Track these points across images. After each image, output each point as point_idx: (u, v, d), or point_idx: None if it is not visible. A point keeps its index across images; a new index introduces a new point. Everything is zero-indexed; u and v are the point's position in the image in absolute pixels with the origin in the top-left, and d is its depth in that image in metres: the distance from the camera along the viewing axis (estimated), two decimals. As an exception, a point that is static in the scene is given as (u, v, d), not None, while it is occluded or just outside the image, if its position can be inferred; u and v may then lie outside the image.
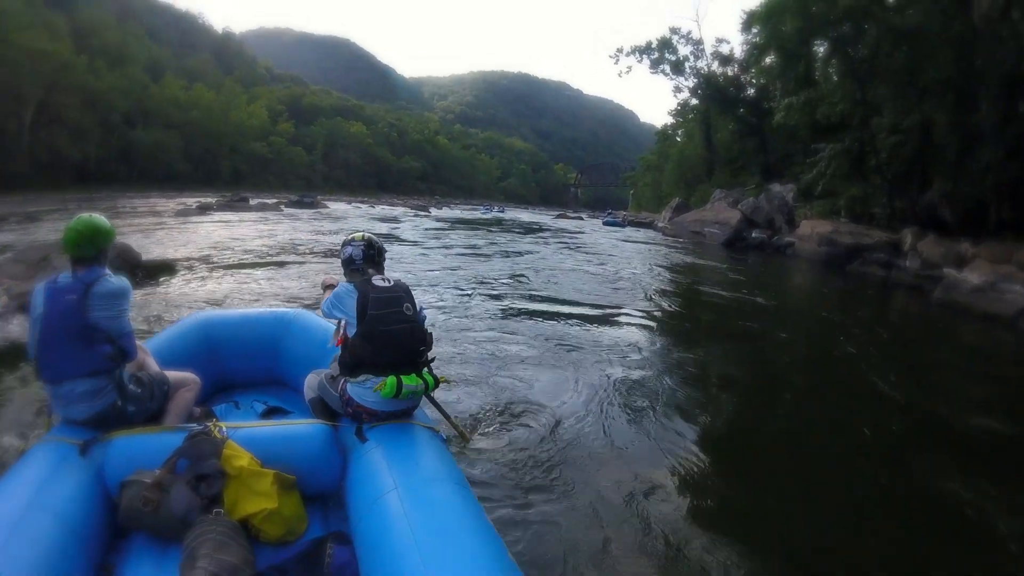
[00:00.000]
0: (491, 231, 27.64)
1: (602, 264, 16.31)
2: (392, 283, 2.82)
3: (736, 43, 44.03)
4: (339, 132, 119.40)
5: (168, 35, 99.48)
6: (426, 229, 25.52)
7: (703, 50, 47.22)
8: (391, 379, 2.57)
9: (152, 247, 13.01)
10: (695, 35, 49.65)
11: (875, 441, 4.80)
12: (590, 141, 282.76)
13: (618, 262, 16.99)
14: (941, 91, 20.80)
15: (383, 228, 24.73)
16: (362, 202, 61.08)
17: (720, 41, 44.85)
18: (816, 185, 25.99)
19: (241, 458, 2.25)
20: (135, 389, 2.65)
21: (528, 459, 3.61)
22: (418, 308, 2.88)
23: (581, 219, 55.84)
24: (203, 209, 29.08)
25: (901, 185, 23.98)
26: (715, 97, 44.44)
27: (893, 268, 19.64)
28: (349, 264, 3.00)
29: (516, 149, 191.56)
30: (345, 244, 3.05)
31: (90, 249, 2.55)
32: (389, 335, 2.66)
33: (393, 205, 57.16)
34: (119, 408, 2.55)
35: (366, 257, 2.98)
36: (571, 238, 26.45)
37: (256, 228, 20.15)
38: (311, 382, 3.01)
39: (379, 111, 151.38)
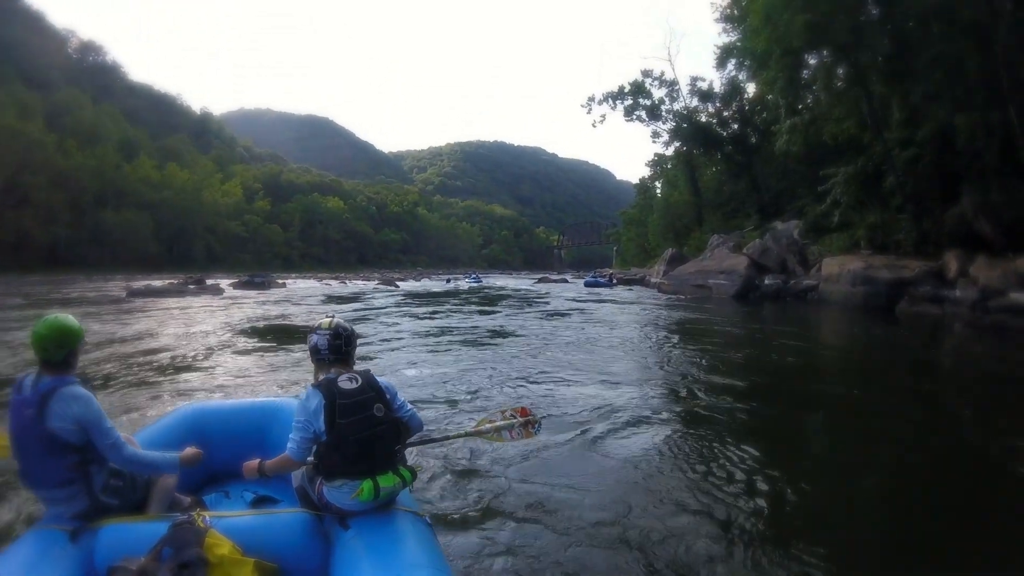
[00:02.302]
0: (455, 304, 23.75)
1: (591, 344, 12.26)
2: (359, 382, 2.62)
3: (713, 79, 41.58)
4: (316, 208, 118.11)
5: (146, 116, 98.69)
6: (380, 308, 21.50)
7: (679, 91, 44.93)
8: (367, 484, 2.45)
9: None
10: (669, 75, 47.20)
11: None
12: (569, 203, 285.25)
13: (611, 337, 13.00)
14: (964, 90, 18.02)
15: (334, 308, 20.91)
16: (335, 278, 57.23)
17: (696, 79, 42.47)
18: (831, 216, 22.74)
19: (223, 547, 2.24)
20: (116, 483, 2.64)
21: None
22: (396, 404, 2.72)
23: (566, 281, 50.36)
24: (133, 294, 25.35)
25: (923, 204, 20.83)
26: (698, 137, 41.73)
27: (945, 302, 16.23)
28: (315, 354, 2.77)
29: (497, 216, 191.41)
30: (311, 332, 2.80)
31: (58, 353, 2.50)
32: (360, 443, 2.51)
33: (369, 280, 53.19)
34: (100, 504, 2.55)
35: (331, 347, 2.74)
36: (550, 307, 22.38)
37: (166, 318, 16.23)
38: (296, 473, 2.80)
39: (358, 186, 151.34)
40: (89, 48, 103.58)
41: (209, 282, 34.85)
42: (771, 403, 6.68)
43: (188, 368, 8.30)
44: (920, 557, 3.26)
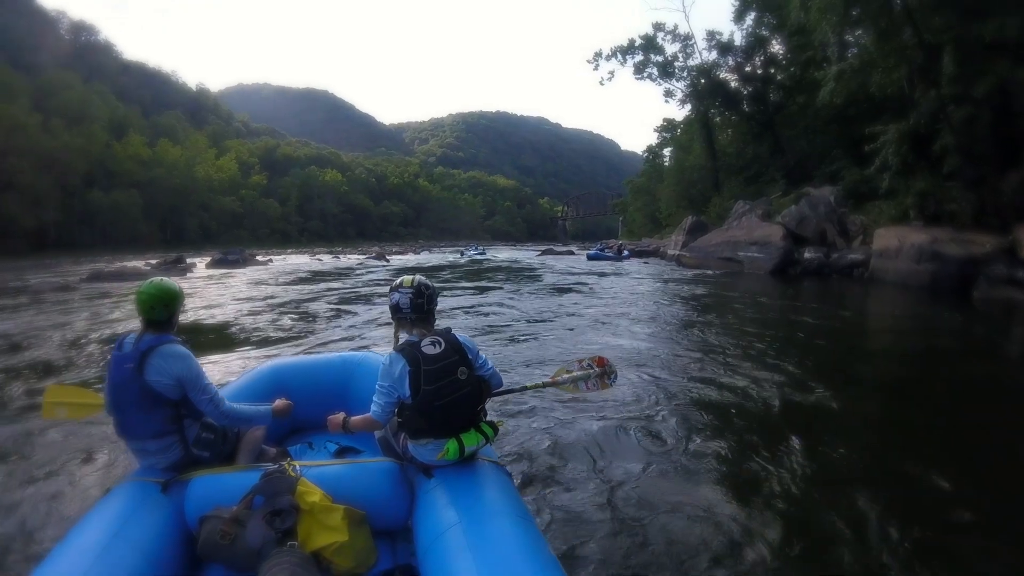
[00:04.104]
0: (446, 279, 20.91)
1: (622, 331, 9.55)
2: (443, 346, 2.61)
3: (733, 31, 37.86)
4: (313, 182, 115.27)
5: (139, 94, 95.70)
6: (353, 289, 18.60)
7: (694, 45, 41.22)
8: (452, 445, 2.49)
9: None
10: (683, 29, 43.55)
11: None
12: (573, 173, 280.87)
13: (644, 324, 10.22)
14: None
15: (300, 289, 18.16)
16: (329, 253, 54.57)
17: (713, 34, 38.58)
18: (876, 182, 19.74)
19: (313, 494, 2.32)
20: (207, 436, 2.77)
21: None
22: (478, 364, 2.70)
23: (572, 253, 46.32)
24: (92, 278, 22.55)
25: (979, 170, 17.86)
26: (716, 94, 38.27)
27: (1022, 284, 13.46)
28: (396, 312, 2.77)
29: (500, 187, 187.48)
30: (392, 290, 2.79)
31: (163, 312, 2.69)
32: (446, 407, 2.53)
33: (366, 253, 50.11)
34: (192, 456, 2.70)
35: (414, 306, 2.71)
36: (560, 282, 19.53)
37: (90, 309, 13.44)
38: None
39: (357, 158, 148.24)
40: (80, 28, 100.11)
41: (189, 260, 32.79)
42: (859, 414, 5.40)
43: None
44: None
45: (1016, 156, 16.83)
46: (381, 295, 15.21)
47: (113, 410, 2.64)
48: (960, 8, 17.17)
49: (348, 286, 18.31)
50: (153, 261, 31.89)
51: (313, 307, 12.95)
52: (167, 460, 2.64)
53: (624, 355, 7.05)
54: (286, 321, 10.70)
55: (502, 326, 9.84)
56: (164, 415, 2.60)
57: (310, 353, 6.53)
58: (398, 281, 2.78)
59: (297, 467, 2.43)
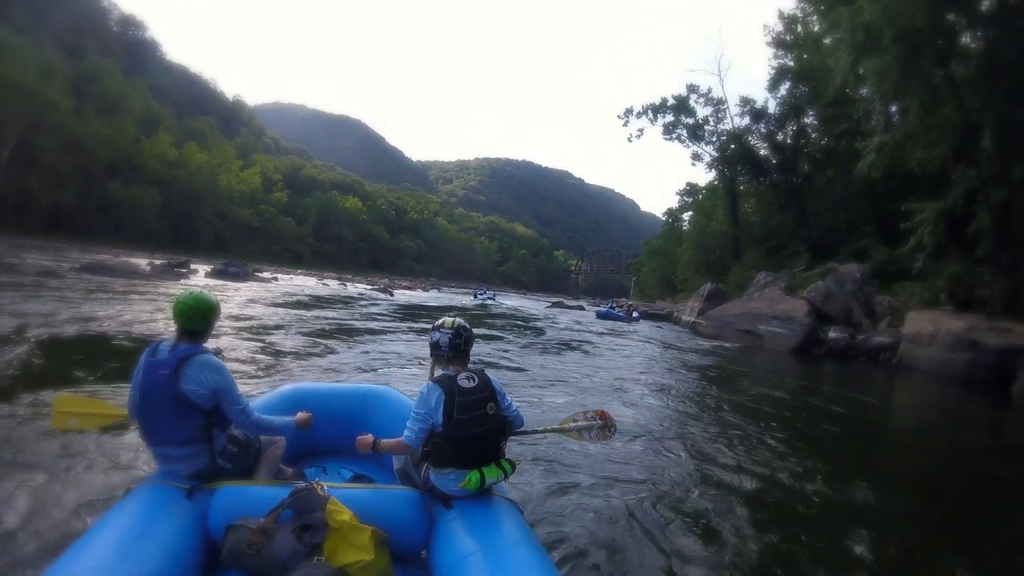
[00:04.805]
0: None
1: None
2: (476, 382, 2.83)
3: (766, 100, 37.50)
4: (333, 206, 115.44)
5: (176, 96, 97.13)
6: (347, 322, 17.52)
7: (726, 110, 41.03)
8: (475, 475, 2.62)
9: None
10: (716, 92, 43.23)
11: None
12: (591, 229, 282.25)
13: (655, 400, 9.01)
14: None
15: (286, 316, 17.14)
16: (338, 279, 53.74)
17: (747, 100, 38.40)
18: (909, 261, 18.72)
19: (343, 513, 2.38)
20: (232, 449, 2.83)
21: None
22: (504, 404, 2.90)
23: (582, 308, 44.27)
24: (88, 268, 21.49)
25: (1014, 255, 16.91)
26: (745, 159, 37.80)
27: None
28: (435, 349, 2.97)
29: (517, 234, 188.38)
30: (434, 329, 3.00)
31: (200, 323, 2.75)
32: (473, 438, 2.69)
33: (374, 284, 49.06)
34: (215, 466, 2.72)
35: (452, 345, 2.93)
36: (566, 339, 18.36)
37: (59, 302, 12.43)
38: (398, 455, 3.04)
39: (380, 189, 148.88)
40: (130, 22, 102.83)
41: (194, 267, 32.14)
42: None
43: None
44: None
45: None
46: (375, 331, 14.15)
47: (142, 414, 2.67)
48: (1003, 87, 16.47)
49: (343, 316, 17.05)
50: (157, 261, 30.92)
51: (288, 338, 11.13)
52: (191, 468, 2.67)
53: (632, 422, 6.41)
54: (243, 352, 9.03)
55: (504, 381, 8.75)
56: (195, 423, 2.65)
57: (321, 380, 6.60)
58: (440, 322, 2.98)
59: (325, 487, 2.49)
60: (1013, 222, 16.71)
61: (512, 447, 3.70)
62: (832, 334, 18.48)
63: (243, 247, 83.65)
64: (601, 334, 20.48)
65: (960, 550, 4.11)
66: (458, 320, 3.00)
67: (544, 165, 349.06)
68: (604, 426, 3.56)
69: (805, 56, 33.62)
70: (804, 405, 9.88)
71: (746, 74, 42.91)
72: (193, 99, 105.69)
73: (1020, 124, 16.22)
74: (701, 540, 3.56)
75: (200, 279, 26.95)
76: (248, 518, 2.36)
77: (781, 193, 36.16)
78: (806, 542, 3.83)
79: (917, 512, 4.95)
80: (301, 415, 3.04)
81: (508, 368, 9.91)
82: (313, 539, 2.31)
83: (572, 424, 3.57)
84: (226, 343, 8.90)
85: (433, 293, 52.27)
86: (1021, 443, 8.64)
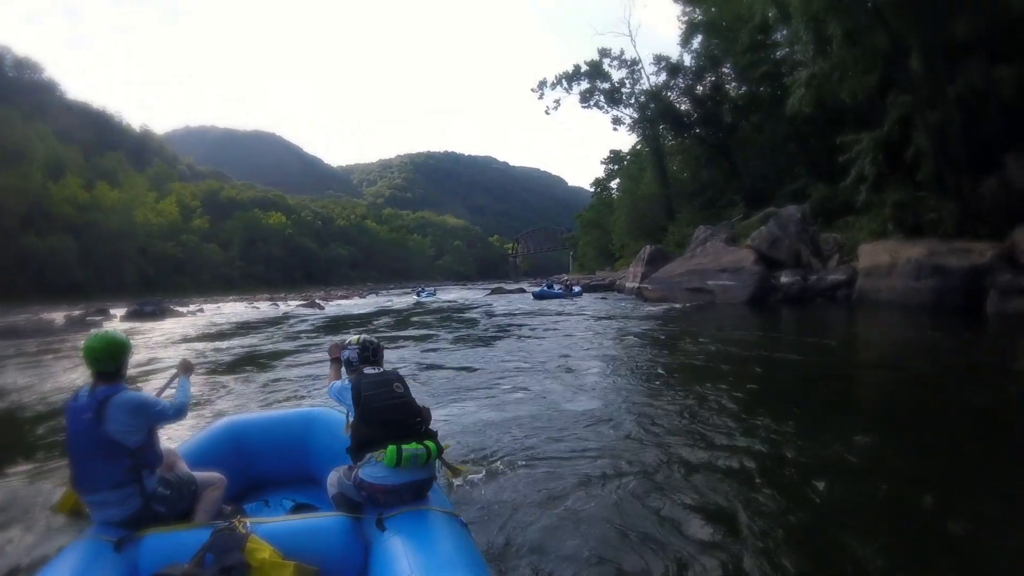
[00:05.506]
0: (385, 328, 18.38)
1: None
2: (382, 370, 3.04)
3: (681, 54, 36.89)
4: (257, 225, 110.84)
5: (81, 135, 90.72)
6: (272, 344, 15.70)
7: (641, 70, 40.24)
8: (391, 447, 2.62)
9: None
10: (629, 54, 42.30)
11: None
12: (523, 210, 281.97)
13: (613, 388, 7.76)
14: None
15: (214, 348, 15.31)
16: (269, 299, 51.17)
17: (661, 58, 37.62)
18: (856, 194, 18.17)
19: (263, 551, 2.30)
20: (163, 491, 2.75)
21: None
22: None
23: (523, 291, 42.10)
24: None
25: (955, 176, 16.59)
26: (667, 117, 37.11)
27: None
28: (348, 366, 3.18)
29: (449, 226, 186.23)
30: (343, 348, 3.27)
31: (110, 364, 2.69)
32: (382, 411, 2.77)
33: (307, 299, 46.52)
34: (149, 510, 2.65)
35: (362, 359, 3.16)
36: (505, 328, 16.97)
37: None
38: (332, 479, 3.01)
39: (303, 200, 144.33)
40: (24, 65, 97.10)
41: (113, 312, 30.19)
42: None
43: None
44: None
45: (990, 160, 15.67)
46: (299, 350, 12.77)
47: (73, 462, 2.64)
48: (928, 7, 15.95)
49: (267, 341, 15.30)
50: (75, 313, 28.51)
51: (210, 373, 9.95)
52: (125, 512, 2.60)
53: (583, 411, 5.84)
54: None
55: (424, 387, 7.47)
56: (123, 465, 2.60)
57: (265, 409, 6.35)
58: (346, 341, 3.30)
59: (248, 524, 2.42)
60: (951, 142, 16.27)
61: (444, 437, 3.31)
62: (784, 279, 17.86)
63: (172, 282, 79.09)
64: (540, 315, 19.42)
65: (946, 492, 3.71)
66: (363, 336, 3.29)
67: (467, 153, 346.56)
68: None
69: (714, 9, 33.13)
70: (767, 358, 9.16)
71: (656, 33, 42.35)
72: (100, 135, 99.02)
73: (946, 44, 15.78)
74: (667, 534, 3.21)
75: (115, 324, 24.53)
76: (175, 565, 2.29)
77: (707, 147, 35.73)
78: (777, 506, 3.46)
79: (901, 455, 4.53)
80: (183, 361, 3.25)
81: (430, 369, 9.11)
82: None
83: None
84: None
85: (371, 299, 50.00)
86: (1002, 363, 8.11)
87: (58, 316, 26.77)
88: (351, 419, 2.88)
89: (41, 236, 62.02)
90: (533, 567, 2.92)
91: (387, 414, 2.74)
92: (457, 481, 3.73)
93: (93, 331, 2.79)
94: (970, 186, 15.97)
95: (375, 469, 2.64)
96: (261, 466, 3.57)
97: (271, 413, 4.41)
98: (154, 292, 58.34)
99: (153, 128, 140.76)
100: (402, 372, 3.18)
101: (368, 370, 2.98)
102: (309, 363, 10.33)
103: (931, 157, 16.67)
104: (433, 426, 3.05)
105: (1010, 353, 8.92)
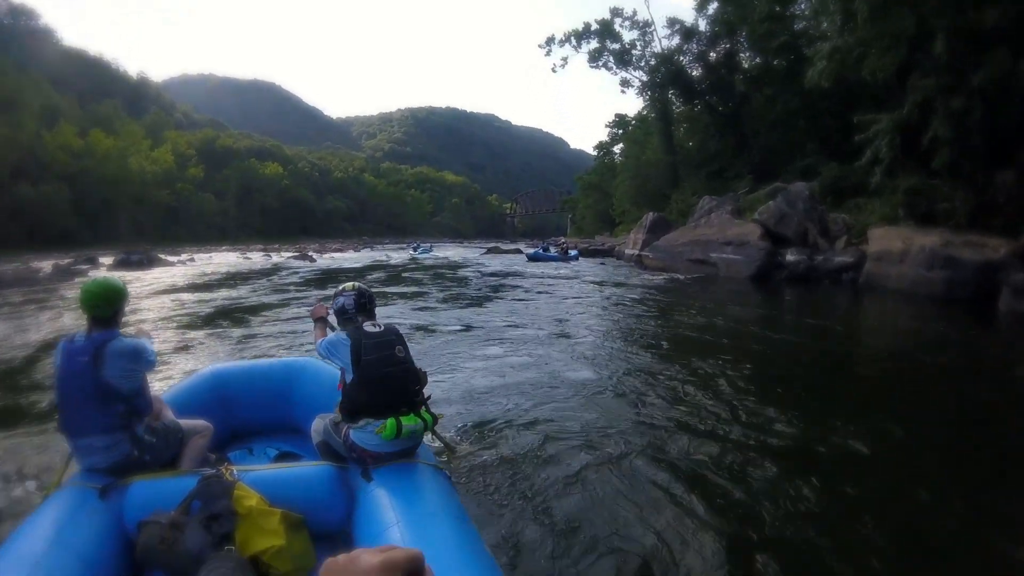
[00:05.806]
0: (378, 283, 18.12)
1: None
2: (383, 328, 2.87)
3: (696, 19, 35.79)
4: (253, 175, 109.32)
5: (77, 82, 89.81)
6: (258, 297, 15.38)
7: (654, 32, 39.13)
8: (391, 421, 2.59)
9: None
10: (642, 15, 41.27)
11: None
12: (523, 170, 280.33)
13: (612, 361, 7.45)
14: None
15: (198, 299, 14.97)
16: (262, 250, 50.58)
17: (675, 21, 36.46)
18: (870, 176, 17.71)
19: (250, 498, 2.31)
20: (150, 439, 2.74)
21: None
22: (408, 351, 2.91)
23: (519, 251, 40.96)
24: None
25: (972, 166, 16.16)
26: (677, 82, 36.19)
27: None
28: (342, 314, 3.04)
29: (448, 183, 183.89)
30: (336, 295, 3.08)
31: (106, 309, 2.69)
32: (384, 378, 2.70)
33: (299, 250, 45.89)
34: (135, 458, 2.64)
35: (358, 306, 3.01)
36: (505, 289, 16.71)
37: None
38: (317, 427, 3.00)
39: (300, 151, 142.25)
40: (20, 12, 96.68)
41: (102, 261, 29.67)
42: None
43: None
44: None
45: (1007, 154, 15.31)
46: (288, 302, 12.82)
47: (59, 405, 2.63)
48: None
49: (254, 292, 15.26)
50: (64, 261, 27.91)
51: (194, 323, 10.04)
52: (112, 458, 2.58)
53: (581, 380, 5.90)
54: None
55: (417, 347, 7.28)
56: (116, 410, 2.59)
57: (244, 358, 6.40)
58: (340, 288, 3.10)
59: (235, 471, 2.42)
60: (972, 132, 15.80)
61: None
62: (790, 257, 17.55)
63: (167, 231, 77.78)
64: (537, 277, 19.25)
65: (939, 488, 3.70)
66: (357, 283, 3.14)
67: (470, 110, 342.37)
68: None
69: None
70: (769, 338, 9.06)
71: (670, -5, 41.05)
72: (96, 83, 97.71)
73: (973, 29, 15.18)
74: (651, 503, 3.26)
75: (100, 274, 24.13)
76: (160, 512, 2.27)
77: (717, 116, 34.98)
78: (776, 492, 3.44)
79: (897, 448, 4.44)
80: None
81: (423, 329, 9.11)
82: (222, 528, 2.22)
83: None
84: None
85: (365, 252, 49.67)
86: (1012, 363, 7.87)
87: (46, 265, 26.43)
88: (347, 378, 2.79)
89: (35, 185, 61.10)
90: (515, 527, 2.96)
91: (389, 382, 2.69)
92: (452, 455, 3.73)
93: (91, 275, 2.46)
94: (986, 178, 15.62)
95: (369, 437, 2.61)
96: (245, 415, 3.58)
97: (256, 362, 4.38)
98: (148, 241, 58.06)
99: (150, 75, 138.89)
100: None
101: (368, 327, 2.83)
102: (293, 318, 10.29)
103: (948, 145, 16.20)
104: (426, 390, 3.03)
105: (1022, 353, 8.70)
